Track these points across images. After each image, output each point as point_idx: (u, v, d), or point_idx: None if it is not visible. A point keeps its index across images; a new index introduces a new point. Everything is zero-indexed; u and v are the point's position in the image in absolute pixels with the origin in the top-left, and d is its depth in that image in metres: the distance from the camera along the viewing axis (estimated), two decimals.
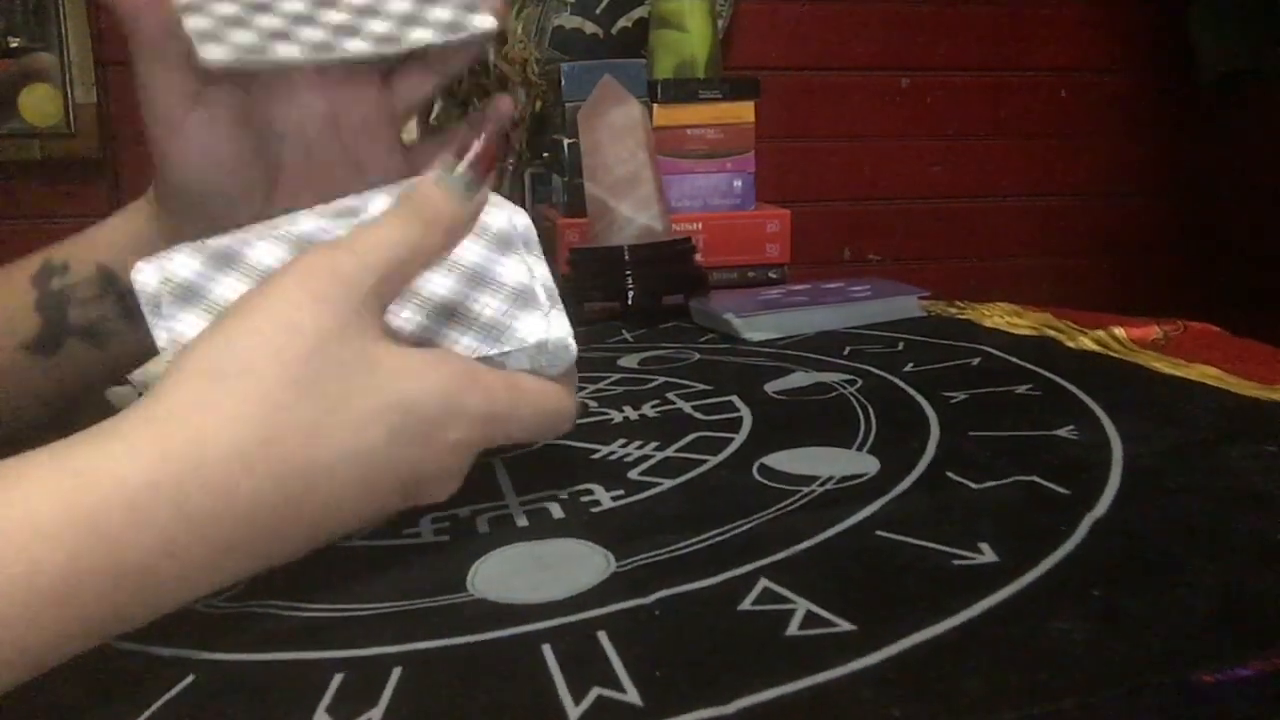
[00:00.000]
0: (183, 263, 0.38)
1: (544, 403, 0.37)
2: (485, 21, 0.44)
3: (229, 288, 0.38)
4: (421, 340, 0.38)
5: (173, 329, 0.37)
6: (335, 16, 0.43)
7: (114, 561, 0.27)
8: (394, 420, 0.32)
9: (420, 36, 0.44)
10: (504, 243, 0.41)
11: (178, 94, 0.43)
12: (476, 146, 0.36)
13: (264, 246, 0.39)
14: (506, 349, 0.39)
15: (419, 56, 0.46)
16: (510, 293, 0.40)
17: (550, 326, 0.40)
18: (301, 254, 0.34)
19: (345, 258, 0.33)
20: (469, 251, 0.40)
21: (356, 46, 0.43)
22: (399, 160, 0.48)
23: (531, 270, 0.41)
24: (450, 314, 0.39)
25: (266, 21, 0.42)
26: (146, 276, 0.38)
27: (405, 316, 0.38)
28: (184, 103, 0.43)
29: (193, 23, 0.41)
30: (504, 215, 0.42)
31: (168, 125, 0.43)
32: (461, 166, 0.36)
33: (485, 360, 0.38)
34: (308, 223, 0.40)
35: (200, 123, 0.43)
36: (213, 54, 0.40)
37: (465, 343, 0.39)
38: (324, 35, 0.43)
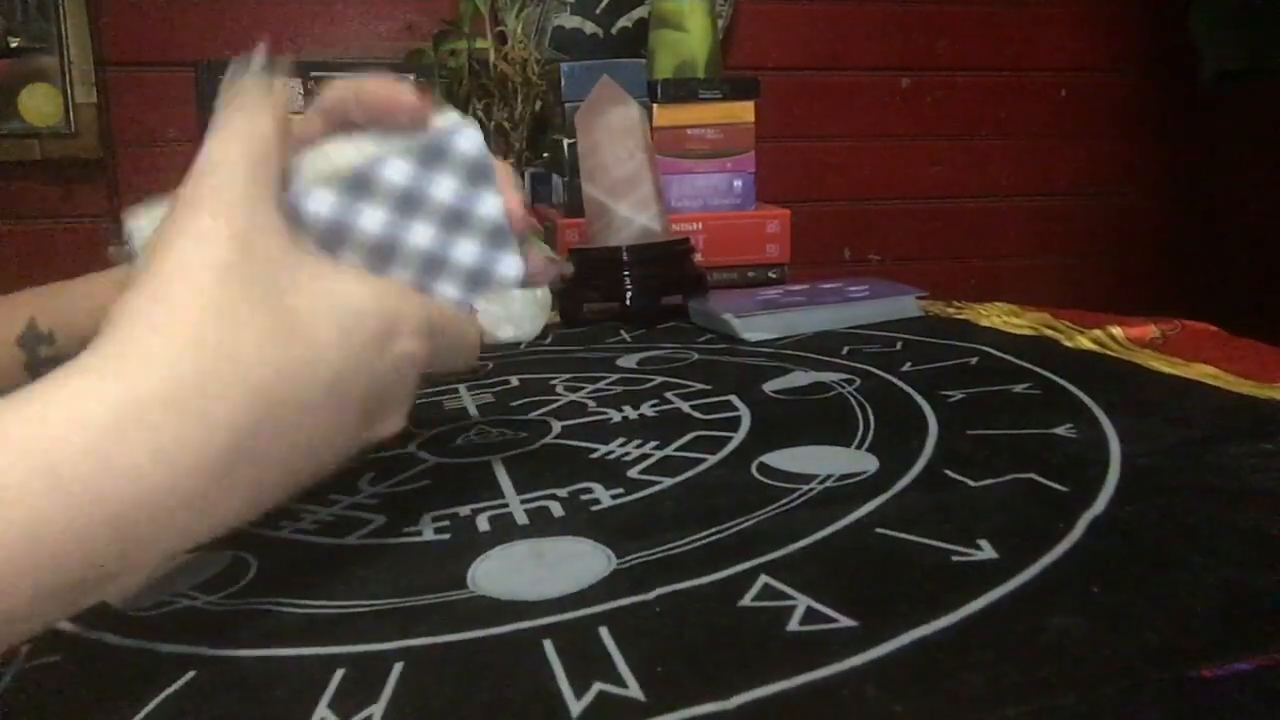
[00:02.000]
0: (322, 199, 0.37)
1: (462, 328, 0.38)
2: (511, 270, 0.40)
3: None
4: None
5: None
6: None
7: (81, 512, 0.25)
8: (344, 323, 0.32)
9: (443, 290, 0.40)
10: (476, 172, 0.39)
11: None
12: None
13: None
14: (450, 287, 0.39)
15: None
16: (488, 234, 0.39)
17: (519, 266, 0.40)
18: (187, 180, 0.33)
19: (209, 174, 0.32)
20: (443, 188, 0.38)
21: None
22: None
23: (470, 189, 0.39)
24: (434, 267, 0.39)
25: None
26: (141, 222, 0.39)
27: (394, 274, 0.38)
28: None
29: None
30: (470, 140, 0.39)
31: None
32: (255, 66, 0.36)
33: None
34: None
35: None
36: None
37: (450, 293, 0.39)
38: None
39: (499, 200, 0.39)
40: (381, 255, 0.37)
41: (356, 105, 0.39)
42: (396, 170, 0.37)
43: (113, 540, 0.26)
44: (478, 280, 0.39)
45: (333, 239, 0.36)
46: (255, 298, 0.30)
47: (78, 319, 0.49)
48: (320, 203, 0.36)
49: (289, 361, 0.30)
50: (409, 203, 0.38)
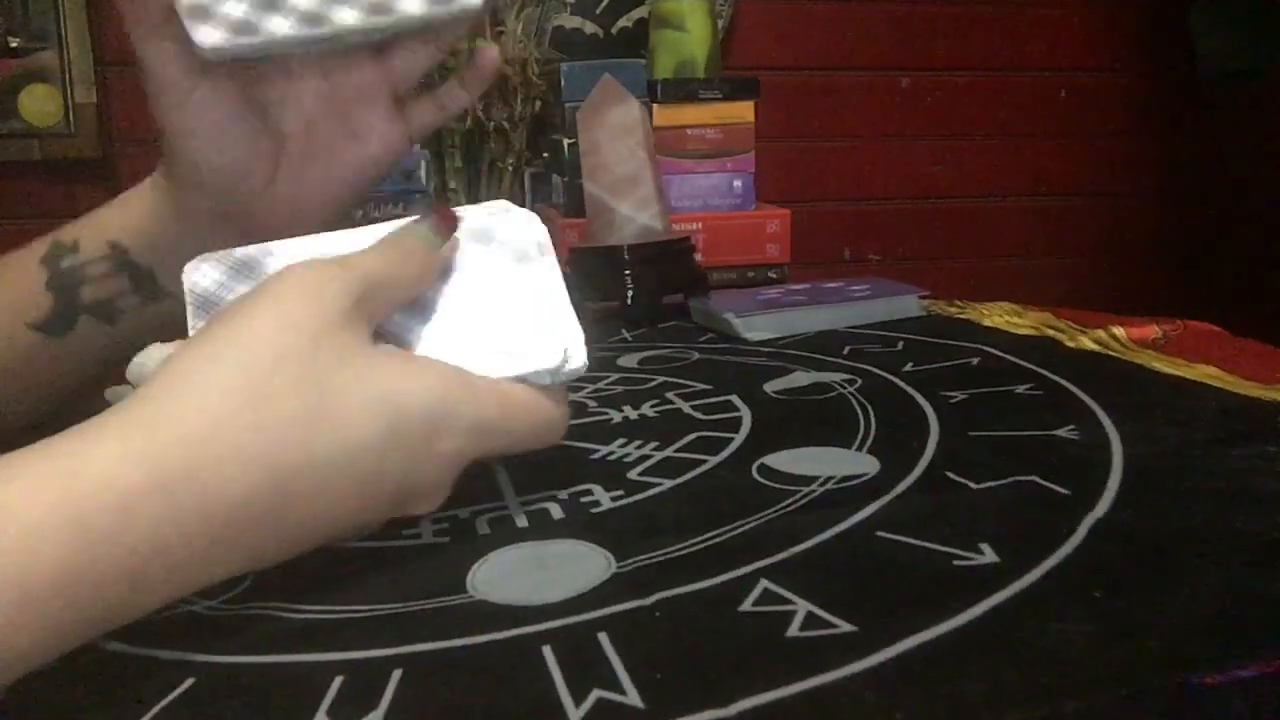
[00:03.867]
0: (205, 273, 0.40)
1: (536, 414, 0.37)
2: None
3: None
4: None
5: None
6: None
7: (104, 563, 0.27)
8: (389, 420, 0.33)
9: (408, 6, 0.44)
10: (523, 258, 0.41)
11: (181, 70, 0.44)
12: (439, 213, 0.40)
13: (283, 258, 0.39)
14: (524, 372, 0.38)
15: (416, 30, 0.47)
16: (531, 317, 0.39)
17: (569, 350, 0.38)
18: (291, 265, 0.35)
19: (334, 268, 0.34)
20: (490, 272, 0.40)
21: (345, 16, 0.44)
22: (399, 129, 0.50)
23: (551, 289, 0.40)
24: (471, 337, 0.39)
25: None
26: (199, 277, 0.39)
27: (425, 336, 0.38)
28: (188, 79, 0.44)
29: (185, 2, 0.42)
30: (527, 230, 0.41)
31: (172, 102, 0.45)
32: (428, 222, 0.39)
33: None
34: (329, 243, 0.40)
35: (204, 98, 0.45)
36: (208, 38, 0.42)
37: (484, 364, 0.38)
38: (314, 5, 0.43)
39: (546, 280, 0.41)
40: (420, 312, 0.39)
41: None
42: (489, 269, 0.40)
43: (128, 588, 0.28)
44: (554, 374, 0.38)
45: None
46: (304, 385, 0.31)
47: (106, 230, 0.50)
48: None
49: (317, 449, 0.31)
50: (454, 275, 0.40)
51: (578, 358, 0.39)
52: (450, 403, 0.34)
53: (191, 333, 0.38)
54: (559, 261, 0.41)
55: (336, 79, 0.48)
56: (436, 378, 0.35)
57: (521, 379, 0.38)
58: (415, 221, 0.39)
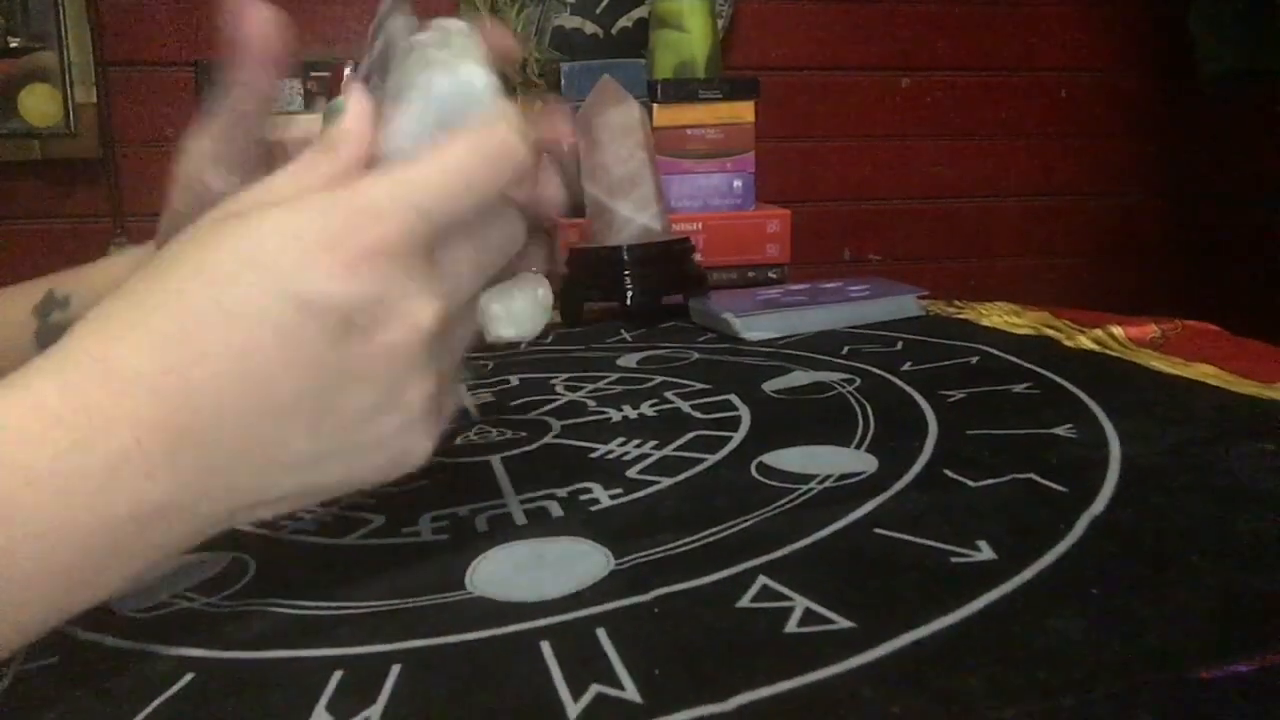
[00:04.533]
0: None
1: (483, 159, 0.32)
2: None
3: None
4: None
5: None
6: None
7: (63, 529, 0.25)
8: (280, 316, 0.28)
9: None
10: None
11: (215, 168, 0.41)
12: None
13: None
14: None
15: None
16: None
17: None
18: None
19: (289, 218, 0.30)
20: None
21: None
22: None
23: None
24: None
25: None
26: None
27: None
28: (218, 174, 0.41)
29: None
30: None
31: (194, 192, 0.41)
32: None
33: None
34: None
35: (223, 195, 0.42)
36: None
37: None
38: None
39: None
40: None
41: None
42: None
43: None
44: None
45: None
46: (194, 272, 0.28)
47: (95, 290, 0.49)
48: None
49: (175, 378, 0.27)
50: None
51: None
52: (362, 271, 0.29)
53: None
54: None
55: None
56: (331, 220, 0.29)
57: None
58: (327, 117, 0.33)
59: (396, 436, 0.31)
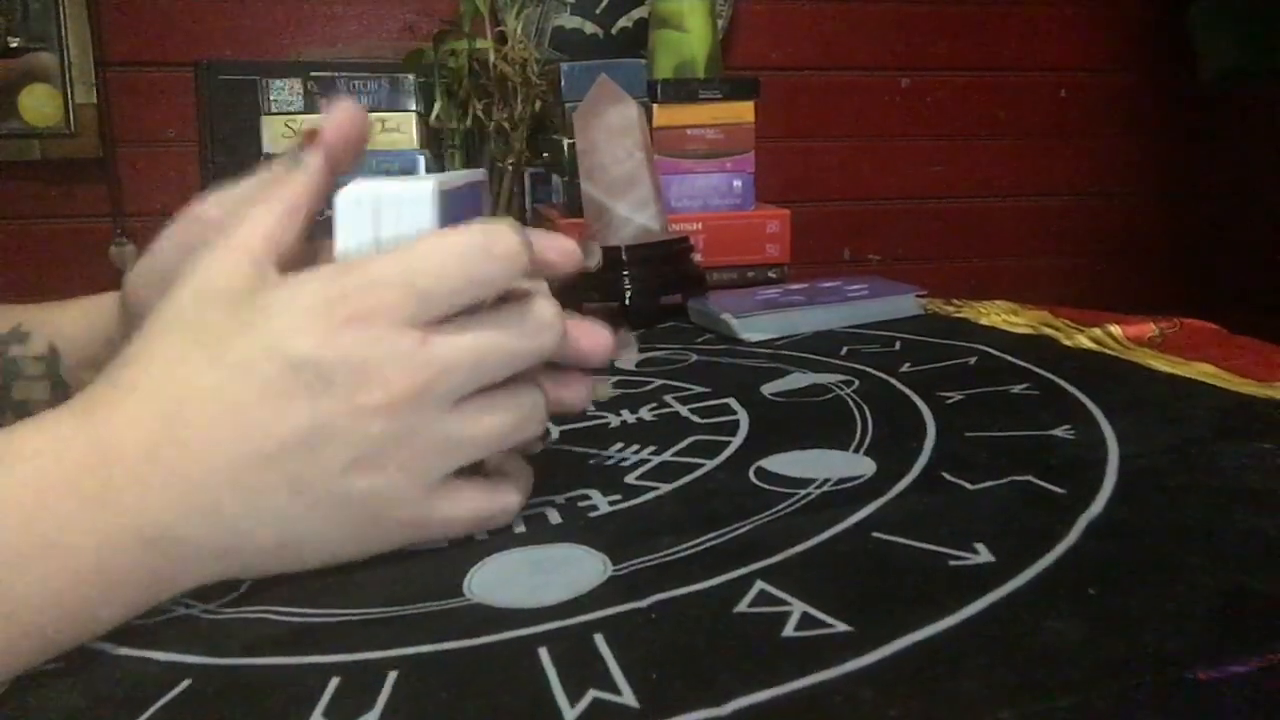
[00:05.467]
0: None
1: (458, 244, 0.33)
2: None
3: None
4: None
5: None
6: None
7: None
8: (267, 370, 0.31)
9: None
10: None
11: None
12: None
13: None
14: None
15: None
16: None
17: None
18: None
19: (219, 252, 0.34)
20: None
21: None
22: None
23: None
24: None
25: None
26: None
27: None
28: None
29: None
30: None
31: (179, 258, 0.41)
32: (298, 148, 0.37)
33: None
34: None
35: None
36: None
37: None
38: None
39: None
40: None
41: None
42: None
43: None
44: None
45: None
46: (190, 331, 0.32)
47: (55, 330, 0.49)
48: None
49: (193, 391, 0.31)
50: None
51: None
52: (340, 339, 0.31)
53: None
54: None
55: None
56: (315, 291, 0.32)
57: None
58: (288, 159, 0.37)
59: (380, 499, 0.33)
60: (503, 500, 0.37)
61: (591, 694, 0.27)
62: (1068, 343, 0.64)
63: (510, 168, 1.18)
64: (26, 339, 0.48)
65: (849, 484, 0.42)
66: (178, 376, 0.31)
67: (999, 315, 0.74)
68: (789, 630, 0.29)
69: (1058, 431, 0.46)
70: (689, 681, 0.27)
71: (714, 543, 0.36)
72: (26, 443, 0.30)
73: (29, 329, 0.49)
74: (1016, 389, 0.54)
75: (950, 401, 0.52)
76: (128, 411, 0.31)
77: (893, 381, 0.58)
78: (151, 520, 0.30)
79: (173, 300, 0.33)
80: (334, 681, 0.29)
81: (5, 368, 0.48)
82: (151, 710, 0.28)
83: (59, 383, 0.48)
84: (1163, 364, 0.56)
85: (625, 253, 0.82)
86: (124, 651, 0.31)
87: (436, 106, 1.16)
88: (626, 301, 0.82)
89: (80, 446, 0.30)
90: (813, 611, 0.31)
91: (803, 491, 0.41)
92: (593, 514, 0.41)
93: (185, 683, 0.29)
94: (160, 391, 0.31)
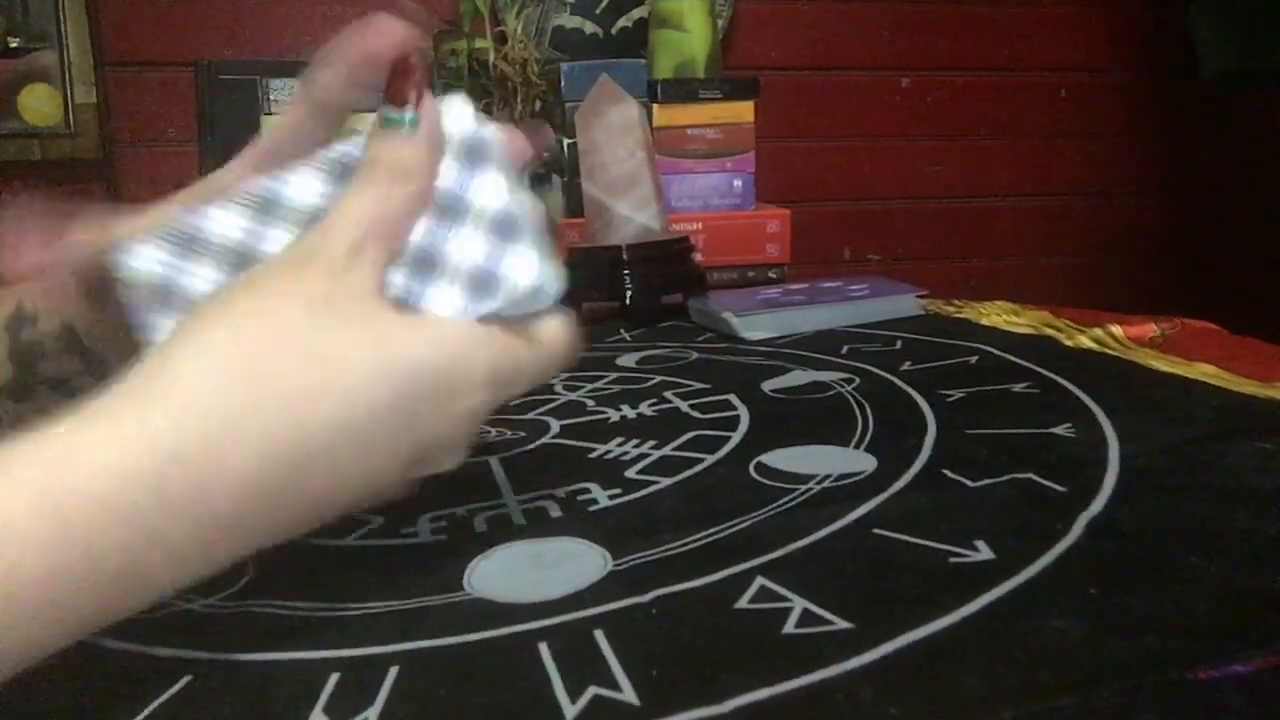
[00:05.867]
0: (150, 256, 0.35)
1: (545, 346, 0.36)
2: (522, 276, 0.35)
3: (201, 278, 0.35)
4: (407, 302, 0.34)
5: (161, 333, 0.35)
6: None
7: (95, 558, 0.26)
8: (396, 386, 0.31)
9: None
10: (475, 155, 0.35)
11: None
12: (410, 80, 0.35)
13: (222, 217, 0.35)
14: (498, 305, 0.34)
15: None
16: (490, 222, 0.34)
17: (541, 263, 0.34)
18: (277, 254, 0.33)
19: (317, 237, 0.32)
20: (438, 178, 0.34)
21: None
22: None
23: (507, 189, 0.35)
24: (430, 264, 0.34)
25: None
26: (139, 263, 0.35)
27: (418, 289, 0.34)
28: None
29: None
30: (469, 125, 0.35)
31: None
32: (397, 110, 0.34)
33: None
34: (261, 185, 0.35)
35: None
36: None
37: (455, 302, 0.34)
38: None
39: (503, 186, 0.34)
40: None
41: (346, 86, 0.37)
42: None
43: (126, 581, 0.27)
44: (483, 285, 0.34)
45: None
46: (300, 356, 0.30)
47: (62, 306, 0.49)
48: None
49: (315, 424, 0.29)
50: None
51: (548, 263, 0.35)
52: (460, 358, 0.32)
53: (150, 329, 0.35)
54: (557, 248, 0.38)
55: None
56: (443, 333, 0.33)
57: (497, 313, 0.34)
58: (378, 126, 0.34)
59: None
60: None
61: (592, 690, 0.27)
62: (1069, 343, 0.64)
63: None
64: (34, 322, 0.48)
65: (849, 480, 0.42)
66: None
67: (1000, 315, 0.74)
68: (789, 627, 0.29)
69: (1059, 430, 0.46)
70: (689, 679, 0.27)
71: (714, 538, 0.36)
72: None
73: (33, 310, 0.49)
74: (1017, 388, 0.54)
75: (951, 400, 0.52)
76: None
77: (893, 380, 0.58)
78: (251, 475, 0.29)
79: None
80: (334, 677, 0.29)
81: (25, 348, 0.48)
82: (152, 706, 0.28)
83: (91, 355, 0.48)
84: (1164, 364, 0.56)
85: (626, 252, 0.82)
86: (125, 646, 0.31)
87: None
88: (627, 300, 0.82)
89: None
90: (813, 608, 0.30)
91: (803, 487, 0.41)
92: (593, 508, 0.41)
93: (186, 678, 0.29)
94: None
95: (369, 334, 0.31)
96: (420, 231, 0.34)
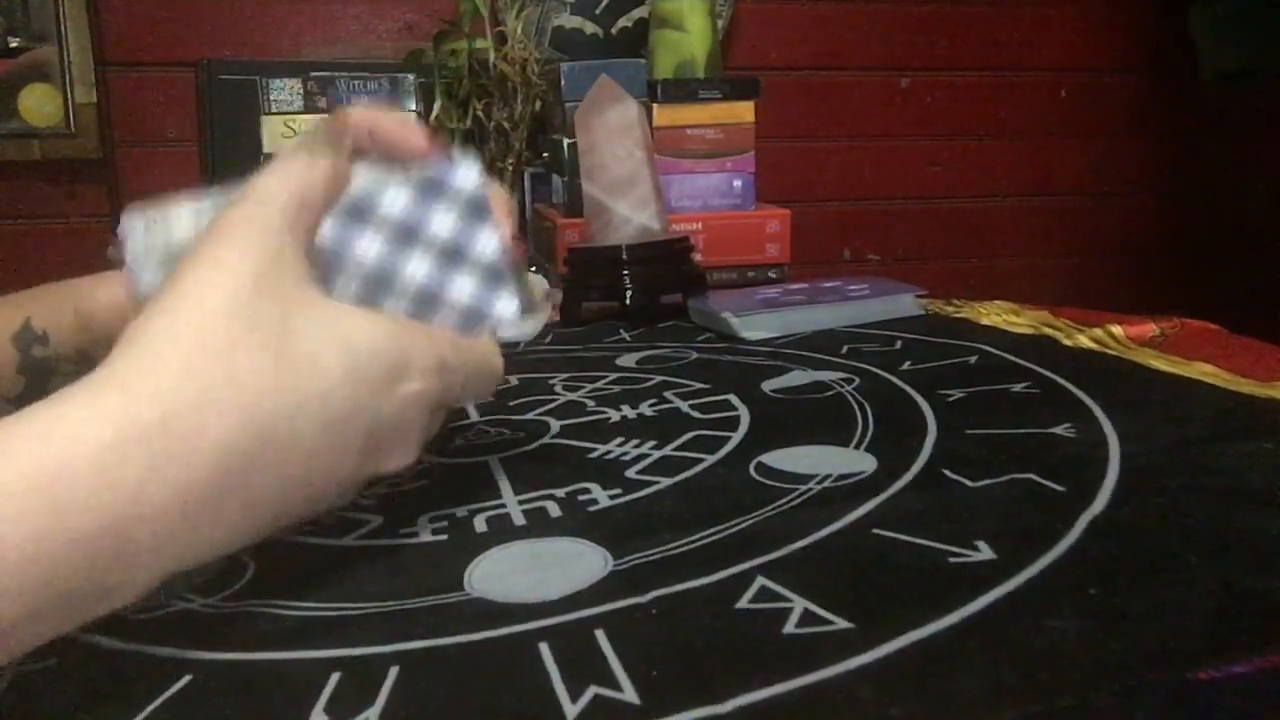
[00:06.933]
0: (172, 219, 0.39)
1: (483, 359, 0.38)
2: (507, 310, 0.40)
3: None
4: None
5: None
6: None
7: (83, 527, 0.26)
8: (350, 359, 0.32)
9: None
10: (474, 208, 0.39)
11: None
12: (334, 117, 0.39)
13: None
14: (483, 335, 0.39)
15: None
16: (484, 271, 0.39)
17: (517, 309, 0.40)
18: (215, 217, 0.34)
19: (247, 205, 0.34)
20: (441, 223, 0.39)
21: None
22: None
23: (498, 238, 0.40)
24: (430, 302, 0.38)
25: None
26: (136, 223, 0.39)
27: (388, 306, 0.38)
28: None
29: None
30: (469, 174, 0.40)
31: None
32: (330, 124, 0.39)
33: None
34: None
35: None
36: None
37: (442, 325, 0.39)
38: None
39: (496, 238, 0.39)
40: (378, 285, 0.37)
41: (369, 136, 0.40)
42: (395, 200, 0.38)
43: (113, 555, 0.27)
44: (473, 319, 0.39)
45: (329, 266, 0.36)
46: (262, 329, 0.31)
47: (68, 320, 0.49)
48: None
49: (287, 394, 0.31)
50: (407, 234, 0.38)
51: (519, 309, 0.40)
52: (406, 341, 0.34)
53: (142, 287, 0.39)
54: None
55: None
56: (388, 319, 0.35)
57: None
58: (308, 132, 0.39)
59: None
60: None
61: (592, 690, 0.27)
62: (1068, 343, 0.64)
63: (510, 168, 1.18)
64: (45, 340, 0.49)
65: (850, 480, 0.42)
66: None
67: (999, 315, 0.74)
68: (790, 627, 0.29)
69: (1059, 430, 0.46)
70: (690, 679, 0.27)
71: (715, 538, 0.36)
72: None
73: (41, 328, 0.49)
74: (1017, 388, 0.54)
75: (951, 399, 0.52)
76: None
77: (893, 379, 0.58)
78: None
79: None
80: (335, 677, 0.29)
81: (37, 366, 0.48)
82: (151, 706, 0.28)
83: None
84: (1163, 364, 0.56)
85: (625, 252, 0.82)
86: (124, 646, 0.31)
87: (436, 107, 1.16)
88: (627, 301, 0.82)
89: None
90: (814, 608, 0.31)
91: (803, 487, 0.41)
92: (593, 508, 0.41)
93: (185, 679, 0.29)
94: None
95: (319, 310, 0.33)
96: (376, 251, 0.38)
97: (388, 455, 0.35)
